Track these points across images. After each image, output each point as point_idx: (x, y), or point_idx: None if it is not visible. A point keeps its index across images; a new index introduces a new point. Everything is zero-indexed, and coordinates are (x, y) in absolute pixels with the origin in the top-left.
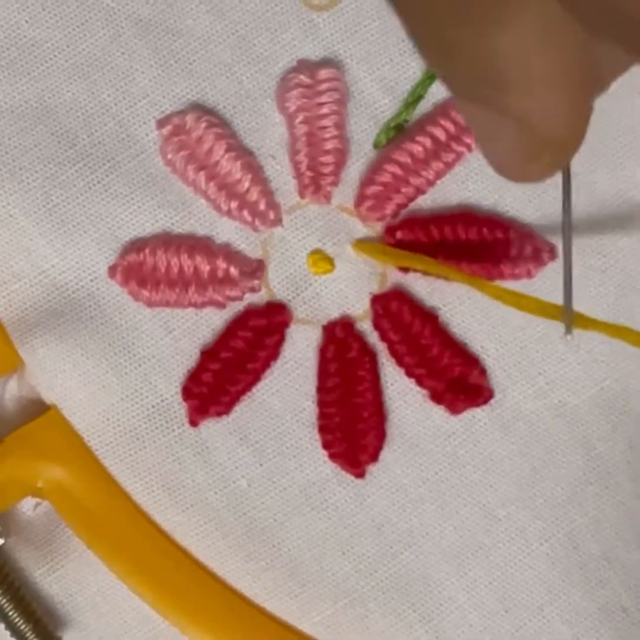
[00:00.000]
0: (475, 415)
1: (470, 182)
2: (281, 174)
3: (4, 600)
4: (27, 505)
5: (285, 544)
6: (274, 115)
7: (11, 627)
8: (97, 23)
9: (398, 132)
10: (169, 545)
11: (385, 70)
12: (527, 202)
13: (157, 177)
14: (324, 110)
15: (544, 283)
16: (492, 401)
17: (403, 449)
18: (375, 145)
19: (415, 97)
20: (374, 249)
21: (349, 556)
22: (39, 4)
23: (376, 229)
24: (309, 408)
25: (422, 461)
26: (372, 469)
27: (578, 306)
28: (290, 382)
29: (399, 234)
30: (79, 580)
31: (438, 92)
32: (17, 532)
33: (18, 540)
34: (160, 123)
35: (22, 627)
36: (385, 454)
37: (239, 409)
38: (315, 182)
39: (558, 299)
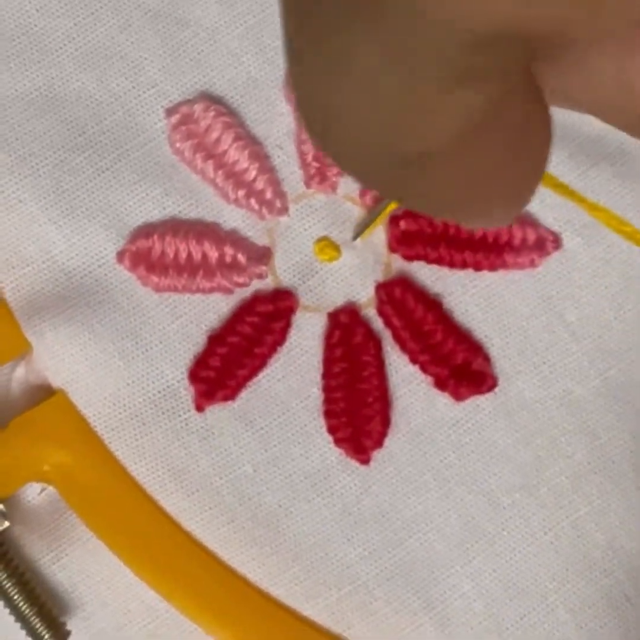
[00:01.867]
0: (480, 403)
1: None
2: (288, 164)
3: (9, 584)
4: (33, 492)
5: (290, 530)
6: (281, 105)
7: (15, 610)
8: (106, 12)
9: None
10: (175, 529)
11: None
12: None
13: (165, 165)
14: None
15: (548, 272)
16: (496, 389)
17: (408, 437)
18: None
19: None
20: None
21: (353, 543)
22: None
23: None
24: (314, 394)
25: (427, 449)
26: (377, 456)
27: (582, 295)
28: (296, 368)
29: (402, 224)
30: (83, 568)
31: None
32: (22, 520)
33: (23, 528)
34: (169, 112)
35: (26, 610)
36: (389, 442)
37: (245, 394)
38: (321, 172)
39: (562, 287)
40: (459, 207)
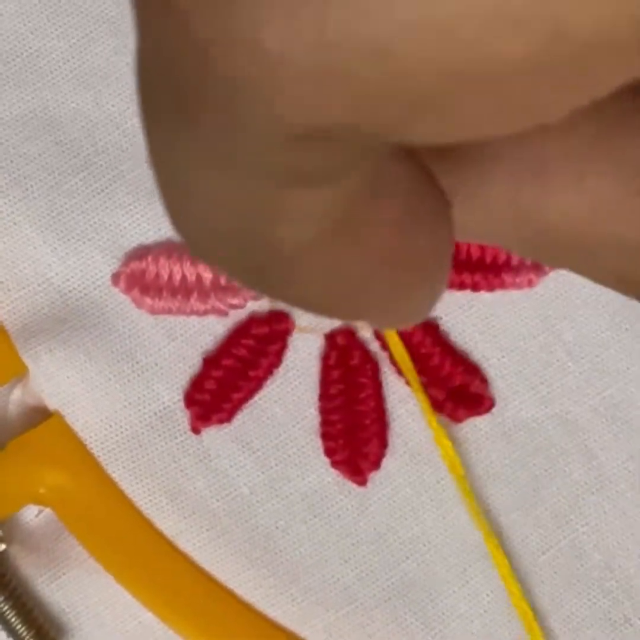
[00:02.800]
0: (477, 423)
1: None
2: None
3: (6, 607)
4: (30, 513)
5: (287, 551)
6: None
7: (13, 633)
8: (101, 34)
9: None
10: (172, 551)
11: None
12: None
13: None
14: None
15: (546, 291)
16: (493, 410)
17: (405, 458)
18: None
19: None
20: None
21: (351, 564)
22: (43, 15)
23: None
24: (311, 415)
25: (424, 469)
26: (374, 477)
27: (580, 314)
28: (293, 389)
29: None
30: (80, 588)
31: None
32: (19, 540)
33: (20, 548)
34: None
35: (24, 633)
36: (387, 462)
37: (241, 416)
38: None
39: (560, 306)
40: (335, 307)
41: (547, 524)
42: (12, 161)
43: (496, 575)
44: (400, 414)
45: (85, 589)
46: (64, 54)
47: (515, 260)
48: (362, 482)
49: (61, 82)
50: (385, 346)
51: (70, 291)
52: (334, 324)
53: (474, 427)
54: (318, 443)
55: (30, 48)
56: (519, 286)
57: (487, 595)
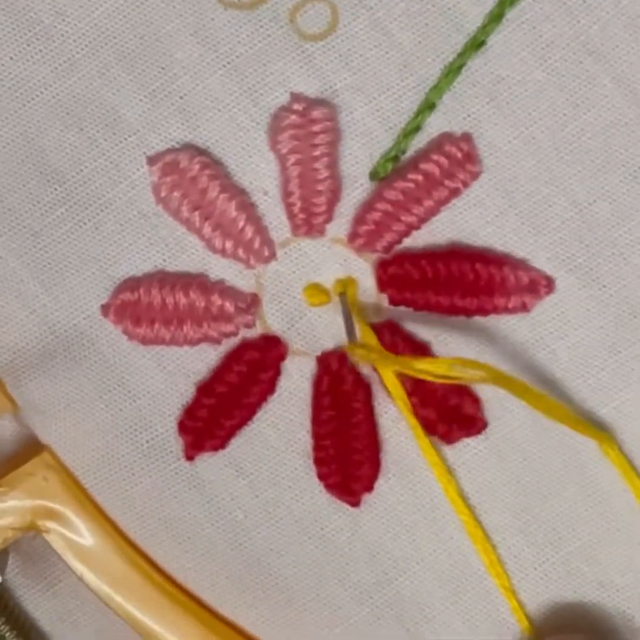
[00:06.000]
0: (470, 443)
1: (465, 216)
2: (274, 208)
3: (5, 629)
4: (26, 537)
5: (282, 573)
6: (266, 149)
7: None
8: (83, 59)
9: (394, 163)
10: (166, 583)
11: (381, 101)
12: (524, 235)
13: (148, 214)
14: (317, 152)
15: (542, 312)
16: (486, 430)
17: (397, 477)
18: (372, 177)
19: (412, 128)
20: (369, 355)
21: (344, 584)
22: (23, 41)
23: (371, 259)
24: (304, 438)
25: (417, 489)
26: (367, 497)
27: (575, 335)
28: (285, 413)
29: (391, 269)
30: (77, 594)
31: (436, 123)
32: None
33: (16, 555)
34: (151, 160)
35: None
36: (379, 482)
37: (234, 441)
38: (308, 222)
39: (555, 327)
40: None
41: (539, 541)
42: None
43: (489, 591)
44: (393, 434)
45: (81, 594)
46: (45, 80)
47: (509, 284)
48: (355, 503)
49: (43, 109)
50: (377, 368)
51: (58, 323)
52: (326, 346)
53: (466, 447)
54: (311, 464)
55: (10, 75)
56: (512, 311)
57: (480, 611)
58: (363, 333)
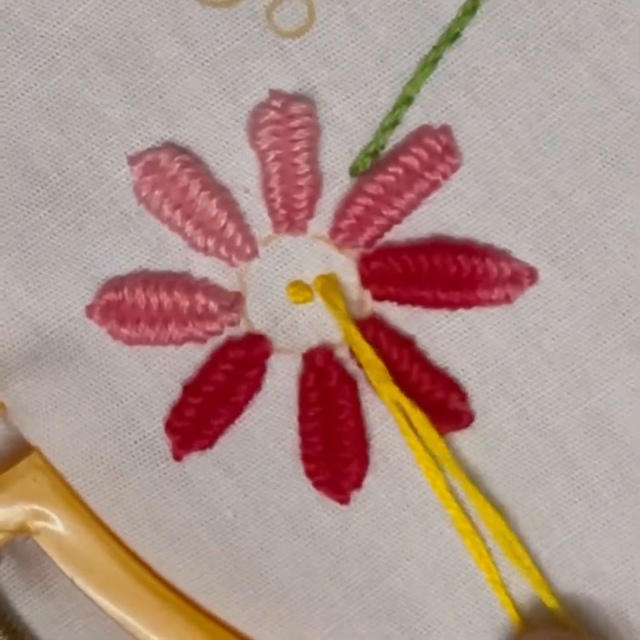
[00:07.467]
0: (458, 437)
1: (446, 209)
2: (255, 206)
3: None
4: (18, 539)
5: (273, 572)
6: (245, 146)
7: None
8: (63, 59)
9: (374, 158)
10: (156, 583)
11: (359, 96)
12: (505, 226)
13: (131, 214)
14: (296, 147)
15: (526, 304)
16: (474, 424)
17: (386, 473)
18: (352, 173)
19: (391, 123)
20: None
21: (335, 581)
22: (3, 43)
23: (353, 255)
24: (292, 436)
25: (406, 485)
26: (356, 494)
27: (560, 325)
28: (272, 411)
29: (373, 264)
30: (72, 596)
31: (414, 117)
32: (10, 552)
33: (10, 558)
34: (132, 160)
35: None
36: (368, 479)
37: (222, 440)
38: (289, 218)
39: (540, 318)
40: None
41: (530, 534)
42: None
43: (480, 586)
44: (381, 430)
45: (76, 597)
46: (26, 82)
47: (492, 276)
48: (344, 500)
49: (24, 110)
50: (361, 364)
51: (43, 325)
52: (311, 343)
53: (456, 441)
54: (299, 462)
55: None
56: (495, 303)
57: (471, 606)
58: (348, 332)
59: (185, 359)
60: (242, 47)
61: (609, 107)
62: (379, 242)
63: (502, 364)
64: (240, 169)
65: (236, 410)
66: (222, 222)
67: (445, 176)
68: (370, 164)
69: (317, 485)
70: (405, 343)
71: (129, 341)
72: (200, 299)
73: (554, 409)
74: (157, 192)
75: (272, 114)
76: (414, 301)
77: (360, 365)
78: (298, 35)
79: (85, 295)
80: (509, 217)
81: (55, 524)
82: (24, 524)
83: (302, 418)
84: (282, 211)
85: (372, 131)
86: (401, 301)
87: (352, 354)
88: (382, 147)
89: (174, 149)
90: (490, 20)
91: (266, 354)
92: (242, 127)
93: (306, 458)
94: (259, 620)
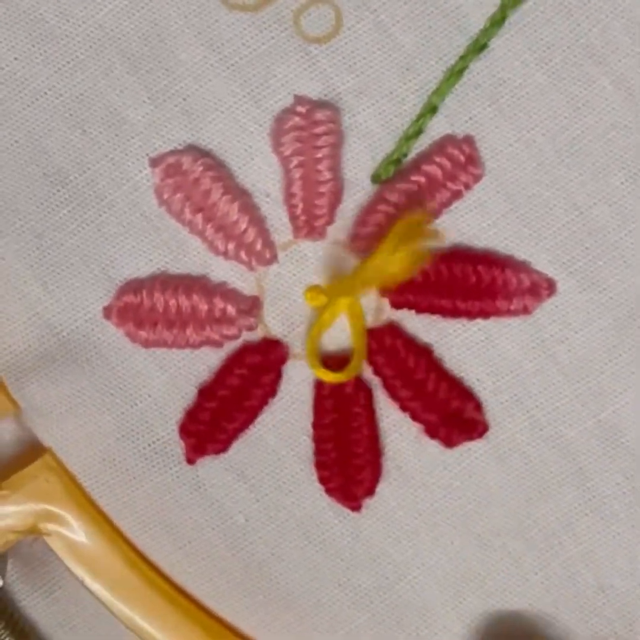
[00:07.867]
0: (471, 447)
1: (467, 218)
2: (275, 210)
3: (5, 634)
4: (26, 541)
5: (282, 578)
6: (268, 151)
7: None
8: (87, 59)
9: (396, 166)
10: (166, 586)
11: (384, 104)
12: (525, 237)
13: (151, 216)
14: (319, 154)
15: (542, 315)
16: (488, 434)
17: (398, 482)
18: (374, 180)
19: (414, 131)
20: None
21: (345, 588)
22: (28, 42)
23: None
24: (305, 442)
25: (418, 493)
26: (368, 502)
27: (576, 337)
28: (286, 417)
29: None
30: (77, 600)
31: (438, 126)
32: (15, 554)
33: (16, 562)
34: (154, 162)
35: None
36: (380, 487)
37: (236, 445)
38: (309, 224)
39: (556, 330)
40: None
41: (540, 545)
42: None
43: (488, 595)
44: (394, 438)
45: (82, 600)
46: (49, 81)
47: (511, 287)
48: (356, 507)
49: (47, 110)
50: (377, 371)
51: (60, 325)
52: (328, 349)
53: (468, 451)
54: (312, 469)
55: (15, 76)
56: (514, 314)
57: (480, 615)
58: (356, 338)
59: (200, 363)
60: (267, 52)
61: (633, 121)
62: None
63: (517, 375)
64: (262, 174)
65: (251, 415)
66: (243, 226)
67: (467, 186)
68: (393, 172)
69: (330, 491)
70: (423, 351)
71: (146, 344)
72: (219, 303)
73: (567, 421)
74: (178, 195)
75: (297, 119)
76: (432, 310)
77: (375, 373)
78: (325, 41)
79: (103, 296)
80: (530, 228)
81: (67, 526)
82: (35, 524)
83: (317, 425)
84: (303, 217)
85: (396, 139)
86: (420, 310)
87: (368, 361)
88: (405, 156)
89: (197, 151)
90: (518, 31)
91: (282, 360)
92: (266, 132)
93: (319, 465)
94: (268, 625)
